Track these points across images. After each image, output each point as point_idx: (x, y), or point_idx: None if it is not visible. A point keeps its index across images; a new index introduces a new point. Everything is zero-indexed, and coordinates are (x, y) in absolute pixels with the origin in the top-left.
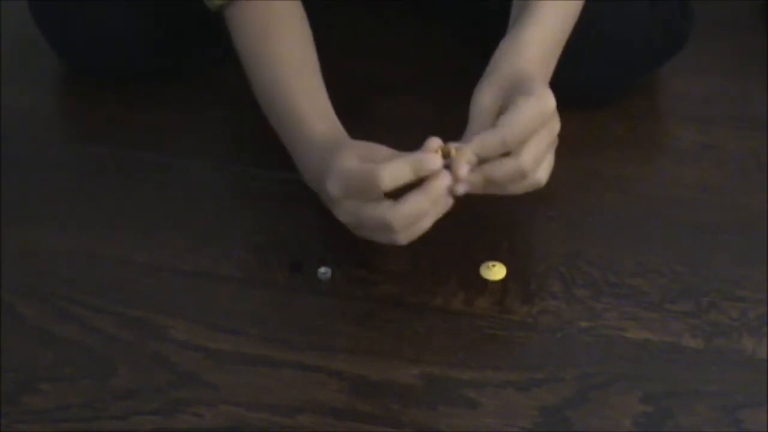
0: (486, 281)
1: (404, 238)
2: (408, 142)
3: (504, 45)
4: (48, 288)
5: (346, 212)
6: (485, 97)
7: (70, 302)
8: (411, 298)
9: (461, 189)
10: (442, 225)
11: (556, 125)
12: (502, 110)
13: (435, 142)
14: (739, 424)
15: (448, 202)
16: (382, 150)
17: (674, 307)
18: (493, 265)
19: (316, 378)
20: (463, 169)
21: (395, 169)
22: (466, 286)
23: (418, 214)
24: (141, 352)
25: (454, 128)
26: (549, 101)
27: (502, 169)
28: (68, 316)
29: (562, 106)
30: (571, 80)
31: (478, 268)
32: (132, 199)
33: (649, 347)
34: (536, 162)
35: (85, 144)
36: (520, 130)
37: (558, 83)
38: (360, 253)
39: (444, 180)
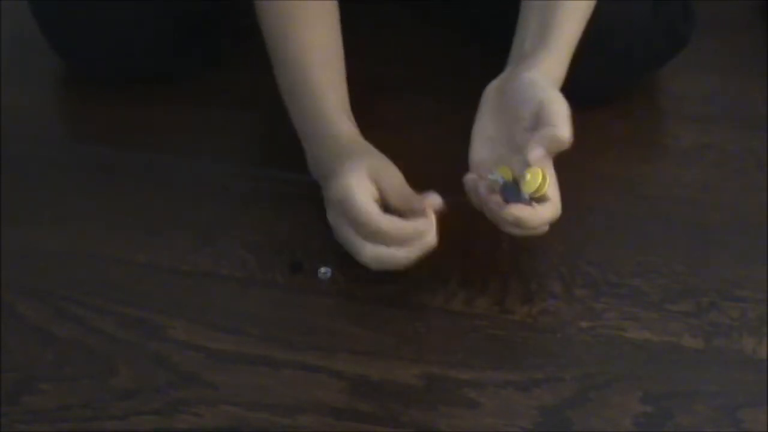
0: (486, 281)
1: (383, 266)
2: (408, 142)
3: (528, 51)
4: (48, 288)
5: (340, 222)
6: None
7: (70, 302)
8: (411, 298)
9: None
10: (442, 225)
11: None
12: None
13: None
14: (739, 424)
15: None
16: (393, 178)
17: (674, 307)
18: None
19: (316, 378)
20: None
21: (379, 246)
22: (466, 286)
23: (390, 260)
24: (141, 352)
25: (454, 128)
26: (559, 208)
27: (544, 216)
28: (68, 316)
29: None
30: (573, 80)
31: (478, 268)
32: (132, 199)
33: (649, 347)
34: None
35: (85, 144)
36: (532, 225)
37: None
38: None
39: (431, 237)
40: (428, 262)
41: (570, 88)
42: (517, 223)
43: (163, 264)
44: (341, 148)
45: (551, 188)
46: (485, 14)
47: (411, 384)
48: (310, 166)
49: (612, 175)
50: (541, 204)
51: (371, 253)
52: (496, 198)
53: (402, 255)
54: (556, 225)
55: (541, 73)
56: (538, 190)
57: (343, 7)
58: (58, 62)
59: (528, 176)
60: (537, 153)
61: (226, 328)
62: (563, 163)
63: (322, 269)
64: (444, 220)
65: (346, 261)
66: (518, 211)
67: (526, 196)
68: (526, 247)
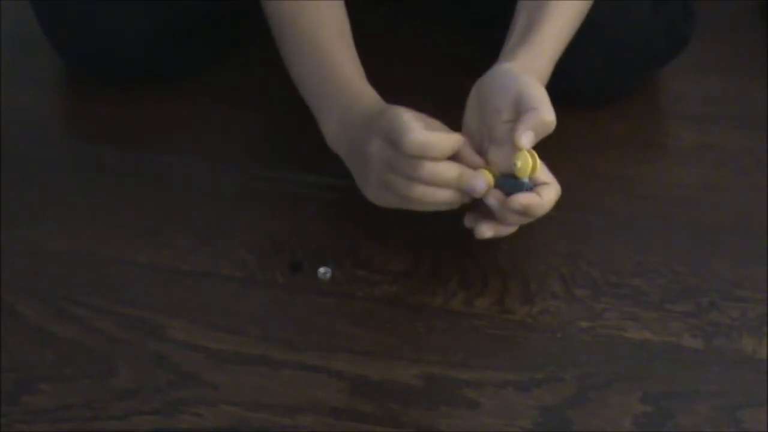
0: (486, 281)
1: (420, 193)
2: None
3: (518, 49)
4: (48, 288)
5: (381, 149)
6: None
7: (70, 302)
8: (411, 298)
9: (488, 233)
10: (442, 225)
11: None
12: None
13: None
14: (739, 424)
15: (466, 197)
16: (435, 121)
17: (674, 307)
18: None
19: (316, 378)
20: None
21: (443, 166)
22: (466, 286)
23: (443, 179)
24: (141, 352)
25: (454, 128)
26: (559, 187)
27: (550, 198)
28: (68, 316)
29: (563, 106)
30: (573, 80)
31: (478, 268)
32: (132, 199)
33: (649, 347)
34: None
35: (85, 144)
36: (541, 209)
37: (559, 83)
38: (360, 253)
39: (480, 183)
40: (428, 262)
41: (570, 89)
42: (526, 210)
43: (163, 264)
44: (373, 109)
45: (544, 170)
46: (485, 14)
47: (411, 384)
48: (330, 140)
49: (612, 175)
50: (541, 187)
51: (428, 168)
52: (495, 193)
53: (453, 175)
54: (556, 225)
55: (517, 65)
56: (532, 171)
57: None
58: (58, 62)
59: (518, 163)
60: (527, 137)
61: (226, 328)
62: (563, 163)
63: (322, 269)
64: (445, 220)
65: (346, 261)
66: (524, 199)
67: (527, 181)
68: (526, 247)
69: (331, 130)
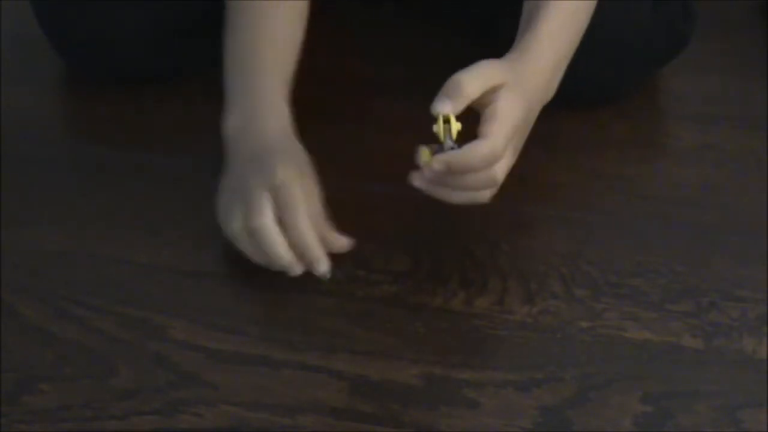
0: (486, 281)
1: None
2: (407, 142)
3: (519, 49)
4: (48, 288)
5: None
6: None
7: (70, 302)
8: (411, 298)
9: (417, 182)
10: (442, 225)
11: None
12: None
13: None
14: (739, 424)
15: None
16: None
17: (674, 307)
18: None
19: (316, 378)
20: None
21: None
22: (466, 286)
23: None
24: (141, 352)
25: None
26: (497, 144)
27: (475, 151)
28: (68, 316)
29: (562, 107)
30: (573, 80)
31: (478, 268)
32: (132, 199)
33: (649, 347)
34: (506, 148)
35: (85, 144)
36: (466, 166)
37: (559, 83)
38: (360, 253)
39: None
40: (428, 262)
41: (570, 89)
42: (451, 167)
43: (163, 264)
44: (280, 133)
45: (488, 124)
46: (485, 14)
47: (411, 384)
48: (225, 129)
49: (612, 175)
50: (471, 143)
51: (264, 219)
52: (427, 167)
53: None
54: (556, 225)
55: (498, 62)
56: (447, 130)
57: (343, 7)
58: (58, 62)
59: (435, 128)
60: (438, 102)
61: (226, 328)
62: (563, 163)
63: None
64: (444, 220)
65: (346, 261)
66: (443, 156)
67: (449, 143)
68: (526, 247)
69: (231, 125)
